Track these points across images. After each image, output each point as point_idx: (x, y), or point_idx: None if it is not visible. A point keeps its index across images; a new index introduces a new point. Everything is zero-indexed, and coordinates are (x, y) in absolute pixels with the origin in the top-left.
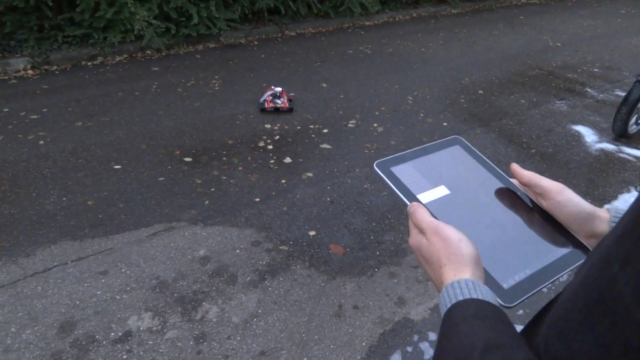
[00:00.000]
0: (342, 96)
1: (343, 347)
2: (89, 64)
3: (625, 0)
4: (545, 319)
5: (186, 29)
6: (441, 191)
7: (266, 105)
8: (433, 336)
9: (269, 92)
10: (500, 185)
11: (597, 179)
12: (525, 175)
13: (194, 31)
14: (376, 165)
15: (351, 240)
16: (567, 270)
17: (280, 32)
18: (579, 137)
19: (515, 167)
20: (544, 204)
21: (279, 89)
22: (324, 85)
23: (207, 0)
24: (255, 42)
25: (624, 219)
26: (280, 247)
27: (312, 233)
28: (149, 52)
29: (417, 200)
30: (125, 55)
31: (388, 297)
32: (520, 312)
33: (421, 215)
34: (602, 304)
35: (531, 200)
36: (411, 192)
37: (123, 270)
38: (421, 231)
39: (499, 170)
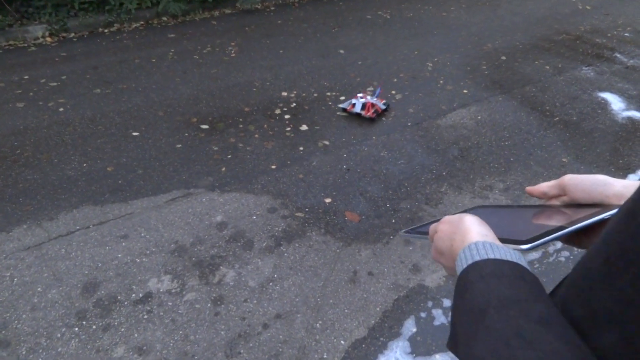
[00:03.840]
0: (359, 63)
1: (357, 311)
2: (106, 31)
3: None
4: (565, 281)
5: None
6: None
7: (364, 113)
8: (447, 303)
9: (366, 99)
10: (529, 212)
11: (622, 148)
12: (537, 189)
13: None
14: (402, 233)
15: (367, 208)
16: (594, 219)
17: None
18: (605, 104)
19: (529, 188)
20: (566, 199)
21: (373, 99)
22: (342, 51)
23: None
24: (272, 8)
25: None
26: (296, 214)
27: (327, 200)
28: (165, 18)
29: None
30: (142, 22)
31: (403, 264)
32: None
33: (431, 227)
34: (623, 257)
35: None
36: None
37: (143, 234)
38: (434, 238)
39: (525, 204)
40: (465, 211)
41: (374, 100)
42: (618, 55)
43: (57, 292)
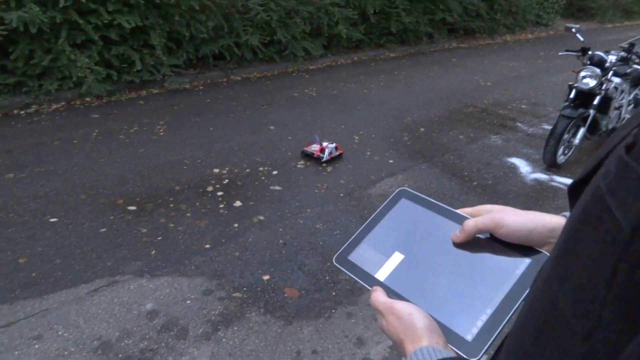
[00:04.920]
0: (289, 137)
1: None
2: (22, 112)
3: (543, 43)
4: (503, 347)
5: (128, 75)
6: (396, 259)
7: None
8: None
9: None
10: (453, 224)
11: (534, 207)
12: (467, 234)
13: (137, 77)
14: (335, 261)
15: (306, 282)
16: (525, 293)
17: (225, 77)
18: (514, 168)
19: (454, 237)
20: (499, 232)
21: (332, 145)
22: (272, 127)
23: (151, 47)
24: (201, 87)
25: (558, 242)
26: (234, 295)
27: (266, 277)
28: (88, 99)
29: (376, 281)
30: (63, 103)
31: (347, 338)
32: None
33: (375, 298)
34: (548, 324)
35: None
36: (370, 275)
37: (60, 332)
38: (380, 313)
39: (450, 209)
40: (392, 201)
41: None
42: (519, 125)
43: None
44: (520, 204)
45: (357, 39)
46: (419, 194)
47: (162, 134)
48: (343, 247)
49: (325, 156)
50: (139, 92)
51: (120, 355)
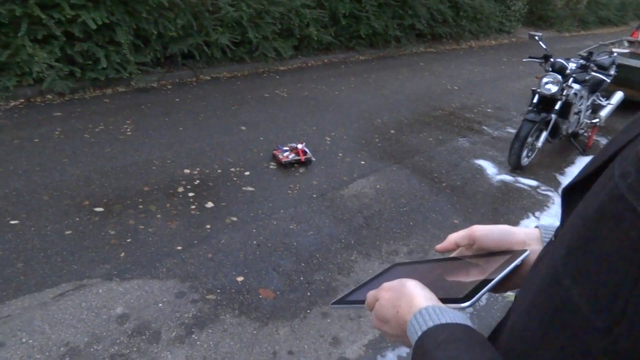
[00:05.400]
0: (261, 138)
1: None
2: None
3: (506, 49)
4: (499, 341)
5: (93, 72)
6: None
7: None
8: None
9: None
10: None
11: (500, 207)
12: (447, 243)
13: (102, 75)
14: (331, 305)
15: (281, 282)
16: (514, 264)
17: (194, 77)
18: (481, 170)
19: (437, 247)
20: (476, 247)
21: (300, 146)
22: (243, 128)
23: (117, 44)
24: (169, 86)
25: (564, 240)
26: (207, 297)
27: (240, 279)
28: (49, 96)
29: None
30: (22, 100)
31: (322, 338)
32: None
33: (369, 295)
34: (558, 318)
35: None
36: (364, 299)
37: (24, 340)
38: (373, 306)
39: (440, 257)
40: (385, 270)
41: (300, 147)
42: (485, 128)
43: None
44: (488, 204)
45: (328, 41)
46: (412, 261)
47: (129, 133)
48: (340, 296)
49: (289, 159)
50: (104, 90)
51: None
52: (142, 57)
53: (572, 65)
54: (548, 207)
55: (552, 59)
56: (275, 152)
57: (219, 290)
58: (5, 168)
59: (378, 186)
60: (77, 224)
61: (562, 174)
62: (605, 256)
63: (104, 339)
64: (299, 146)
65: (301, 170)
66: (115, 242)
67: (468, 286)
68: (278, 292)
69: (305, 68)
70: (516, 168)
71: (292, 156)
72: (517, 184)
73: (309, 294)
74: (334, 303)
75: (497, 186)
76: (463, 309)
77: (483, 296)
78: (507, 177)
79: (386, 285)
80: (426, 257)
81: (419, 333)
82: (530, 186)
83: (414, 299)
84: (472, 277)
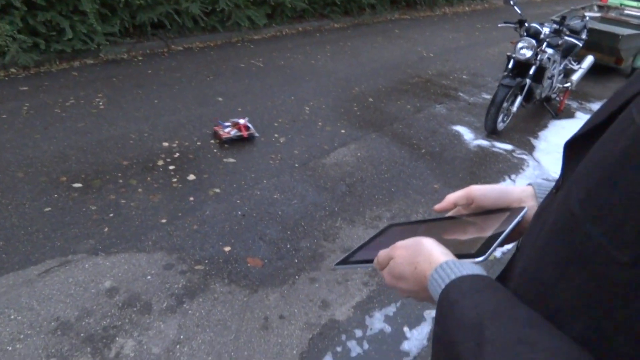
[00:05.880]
0: (239, 109)
1: (275, 358)
2: None
3: (480, 16)
4: (508, 284)
5: (58, 44)
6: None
7: (222, 135)
8: (359, 333)
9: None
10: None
11: (478, 171)
12: (446, 203)
13: (68, 47)
14: (335, 265)
15: (268, 251)
16: (517, 219)
17: (166, 47)
18: (459, 136)
19: (436, 207)
20: (474, 206)
21: (242, 121)
22: (220, 99)
23: (82, 14)
24: (140, 58)
25: (580, 186)
26: (196, 267)
27: (227, 249)
28: (13, 70)
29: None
30: None
31: (312, 302)
32: None
33: (380, 254)
34: (577, 258)
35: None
36: (371, 260)
37: (12, 316)
38: (386, 265)
39: (435, 217)
40: (381, 231)
41: (242, 122)
42: (461, 94)
43: None
44: (465, 169)
45: (302, 8)
46: (406, 221)
47: (102, 107)
48: (340, 257)
49: (230, 135)
50: (71, 62)
51: (82, 335)
52: (110, 27)
53: (546, 30)
54: (523, 169)
55: (526, 24)
56: (216, 127)
57: (206, 261)
58: None
59: (359, 154)
60: (56, 201)
61: (536, 137)
62: (632, 194)
63: (95, 312)
64: (241, 121)
65: (281, 140)
66: (97, 217)
67: (475, 242)
68: (266, 260)
69: (280, 37)
70: (492, 133)
71: (233, 132)
72: (494, 149)
73: (296, 260)
74: (338, 263)
75: (474, 151)
76: (478, 263)
77: (495, 250)
78: (484, 142)
79: (400, 243)
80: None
81: (442, 285)
82: (505, 150)
83: (432, 255)
84: (474, 234)
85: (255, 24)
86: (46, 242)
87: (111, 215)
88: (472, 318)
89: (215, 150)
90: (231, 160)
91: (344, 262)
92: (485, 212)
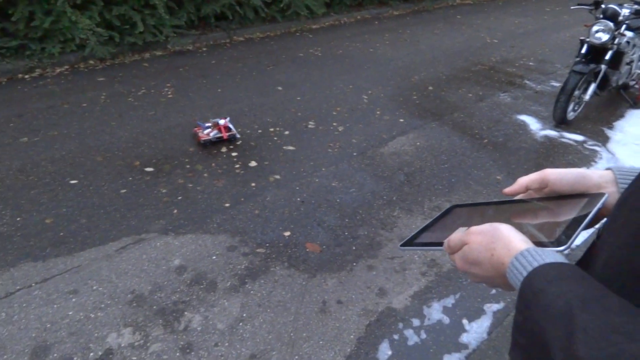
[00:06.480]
0: (298, 98)
1: (332, 341)
2: (27, 76)
3: None
4: (597, 265)
5: (131, 37)
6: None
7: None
8: (417, 323)
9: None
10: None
11: (545, 163)
12: (518, 185)
13: (140, 39)
14: (401, 246)
15: (326, 237)
16: (599, 205)
17: (228, 38)
18: (524, 125)
19: (506, 190)
20: (547, 190)
21: (222, 122)
22: (280, 88)
23: (152, 7)
24: (204, 49)
25: None
26: (257, 250)
27: (287, 234)
28: (92, 62)
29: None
30: (67, 66)
31: (369, 289)
32: None
33: (452, 239)
34: None
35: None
36: (439, 243)
37: (95, 287)
38: (459, 249)
39: (502, 199)
40: (445, 212)
41: (222, 123)
42: (527, 82)
43: None
44: (531, 160)
45: None
46: (469, 202)
47: (170, 96)
48: (406, 238)
49: (210, 137)
50: (142, 54)
51: (154, 307)
52: (177, 20)
53: (625, 12)
54: (595, 162)
55: (603, 5)
56: (195, 129)
57: (267, 244)
58: (59, 131)
59: (418, 143)
60: (131, 183)
61: (611, 128)
62: None
63: (166, 287)
64: (221, 122)
65: (340, 128)
66: (167, 200)
67: (549, 228)
68: (324, 246)
69: (338, 26)
70: (561, 123)
71: (213, 133)
72: (562, 139)
73: (354, 248)
74: (403, 244)
75: (540, 142)
76: (561, 251)
77: (577, 238)
78: (552, 133)
79: (475, 229)
80: None
81: (524, 273)
82: (576, 141)
83: (511, 242)
84: (546, 219)
85: (314, 13)
86: (122, 221)
87: (179, 198)
88: (560, 306)
89: (275, 138)
90: (291, 148)
91: (409, 243)
92: (559, 197)
